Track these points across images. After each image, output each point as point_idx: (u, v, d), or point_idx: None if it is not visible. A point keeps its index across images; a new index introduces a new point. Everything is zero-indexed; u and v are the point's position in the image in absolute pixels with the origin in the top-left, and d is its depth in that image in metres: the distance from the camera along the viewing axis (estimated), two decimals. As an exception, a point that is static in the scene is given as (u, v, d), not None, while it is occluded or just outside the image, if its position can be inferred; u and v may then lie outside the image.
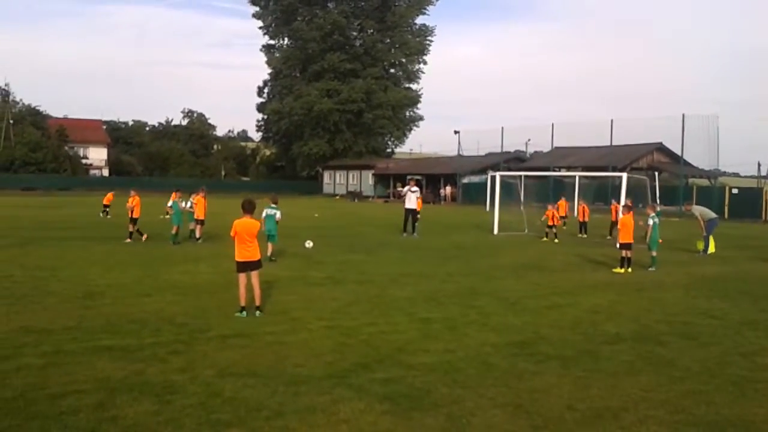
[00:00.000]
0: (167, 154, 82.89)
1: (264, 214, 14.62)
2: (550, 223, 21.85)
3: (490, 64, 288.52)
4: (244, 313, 8.78)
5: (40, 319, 8.37)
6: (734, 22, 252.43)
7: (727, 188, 42.86)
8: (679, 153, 46.06)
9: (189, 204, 18.99)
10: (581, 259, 16.94)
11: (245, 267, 8.86)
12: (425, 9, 75.88)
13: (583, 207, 24.77)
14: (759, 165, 56.21)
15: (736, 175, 70.94)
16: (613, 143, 50.55)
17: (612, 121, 50.42)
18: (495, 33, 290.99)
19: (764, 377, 6.60)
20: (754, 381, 6.44)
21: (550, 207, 22.37)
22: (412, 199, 22.50)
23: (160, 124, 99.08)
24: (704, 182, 48.00)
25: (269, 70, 79.40)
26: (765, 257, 18.23)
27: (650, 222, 15.35)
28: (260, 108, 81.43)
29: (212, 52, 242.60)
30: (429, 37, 76.40)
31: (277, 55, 77.41)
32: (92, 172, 76.14)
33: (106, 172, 77.26)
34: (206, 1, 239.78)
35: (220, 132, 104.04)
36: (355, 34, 76.25)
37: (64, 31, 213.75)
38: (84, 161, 75.43)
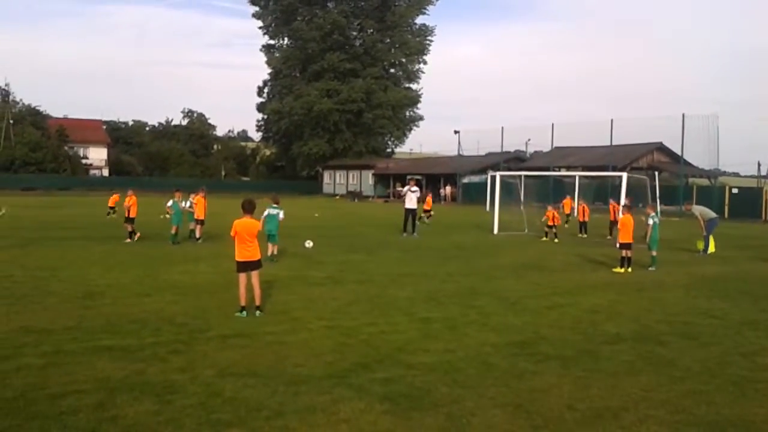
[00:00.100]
0: (167, 154, 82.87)
1: (266, 214, 14.63)
2: (550, 224, 21.85)
3: (490, 64, 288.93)
4: (244, 312, 8.78)
5: (41, 319, 8.37)
6: (734, 22, 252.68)
7: (727, 188, 42.85)
8: (679, 153, 46.06)
9: (188, 204, 18.99)
10: (581, 258, 16.93)
11: (245, 267, 8.86)
12: (425, 9, 75.91)
13: (583, 207, 24.76)
14: (759, 165, 56.26)
15: (736, 174, 70.98)
16: (613, 143, 50.52)
17: (612, 120, 50.40)
18: (495, 33, 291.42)
19: (764, 377, 6.60)
20: (754, 381, 6.44)
21: (550, 208, 22.36)
22: (412, 199, 22.48)
23: (160, 124, 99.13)
24: (704, 182, 47.99)
25: (269, 70, 79.42)
26: (765, 257, 18.23)
27: (650, 222, 15.35)
28: (260, 108, 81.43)
29: (212, 52, 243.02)
30: (429, 37, 76.45)
31: (277, 54, 77.39)
32: (92, 172, 76.14)
33: (106, 172, 77.27)
34: (206, 0, 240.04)
35: (220, 132, 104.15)
36: (354, 33, 76.24)
37: (64, 31, 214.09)
38: (84, 161, 75.43)
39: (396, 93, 74.38)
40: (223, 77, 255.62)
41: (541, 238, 21.90)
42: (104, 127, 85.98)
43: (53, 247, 16.45)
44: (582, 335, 8.26)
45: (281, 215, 15.01)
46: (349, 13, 73.57)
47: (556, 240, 21.45)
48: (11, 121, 68.90)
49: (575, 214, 26.06)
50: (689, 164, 46.47)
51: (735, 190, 42.34)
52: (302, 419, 5.11)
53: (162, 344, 7.23)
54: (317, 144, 73.33)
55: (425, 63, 77.74)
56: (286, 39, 77.39)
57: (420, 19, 76.71)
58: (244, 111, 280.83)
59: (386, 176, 68.25)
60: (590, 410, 5.49)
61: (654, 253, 15.17)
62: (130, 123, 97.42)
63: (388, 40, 75.09)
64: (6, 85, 74.62)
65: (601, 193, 40.44)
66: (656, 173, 38.63)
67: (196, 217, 18.87)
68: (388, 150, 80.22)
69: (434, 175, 63.01)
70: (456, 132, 60.52)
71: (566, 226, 24.60)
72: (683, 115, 43.51)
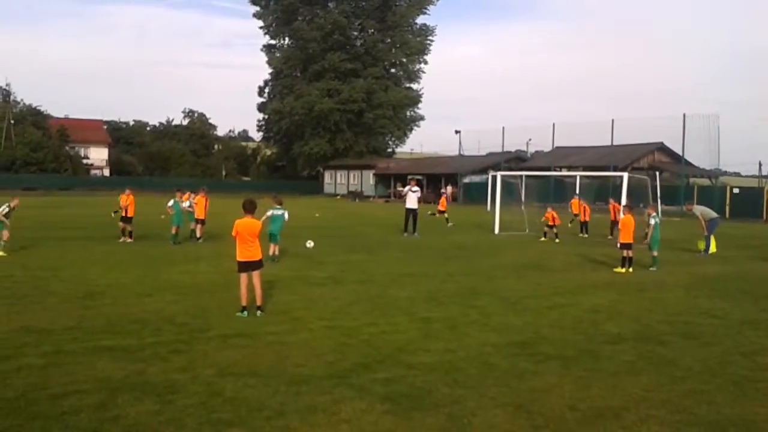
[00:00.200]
0: (168, 154, 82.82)
1: (270, 214, 14.66)
2: (551, 224, 21.84)
3: (491, 64, 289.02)
4: (245, 312, 8.78)
5: (41, 319, 8.38)
6: (734, 22, 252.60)
7: (728, 188, 42.78)
8: (680, 153, 45.98)
9: (189, 204, 18.99)
10: (582, 258, 16.93)
11: (247, 267, 8.87)
12: (426, 9, 75.82)
13: (584, 207, 24.73)
14: (760, 164, 55.98)
15: (737, 174, 70.87)
16: (614, 143, 50.45)
17: (613, 120, 50.31)
18: (495, 33, 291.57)
19: (765, 377, 6.60)
20: (755, 380, 6.43)
21: (549, 209, 22.33)
22: (413, 199, 22.48)
23: (160, 124, 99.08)
24: (705, 182, 47.94)
25: (270, 70, 79.35)
26: (766, 257, 18.21)
27: (651, 222, 15.33)
28: (261, 108, 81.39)
29: (213, 52, 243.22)
30: (429, 37, 76.37)
31: (278, 54, 77.36)
32: (93, 172, 76.17)
33: (107, 172, 77.29)
34: (206, 0, 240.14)
35: (220, 132, 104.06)
36: (355, 33, 76.20)
37: (64, 31, 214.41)
38: (85, 161, 75.43)
39: (397, 93, 74.34)
40: (223, 77, 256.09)
41: (540, 239, 21.88)
42: (105, 127, 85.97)
43: (54, 247, 16.46)
44: (583, 335, 8.26)
45: (286, 216, 15.04)
46: (349, 13, 73.54)
47: (557, 240, 21.44)
48: (12, 121, 68.89)
49: (574, 213, 26.01)
50: (690, 164, 46.41)
51: (736, 190, 42.27)
52: (303, 419, 5.12)
53: (163, 344, 7.24)
54: (318, 144, 73.30)
55: (426, 63, 77.73)
56: (286, 39, 77.36)
57: (420, 19, 76.74)
58: (244, 111, 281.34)
59: (387, 176, 68.23)
60: (591, 410, 5.49)
61: (655, 253, 15.16)
62: (131, 123, 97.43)
63: (389, 40, 75.04)
64: (7, 85, 74.64)
65: (602, 193, 40.36)
66: (657, 173, 38.64)
67: (196, 216, 18.88)
68: (389, 150, 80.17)
69: (435, 175, 62.96)
70: (457, 132, 60.48)
71: (570, 225, 24.53)
72: (684, 115, 43.49)
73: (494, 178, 30.37)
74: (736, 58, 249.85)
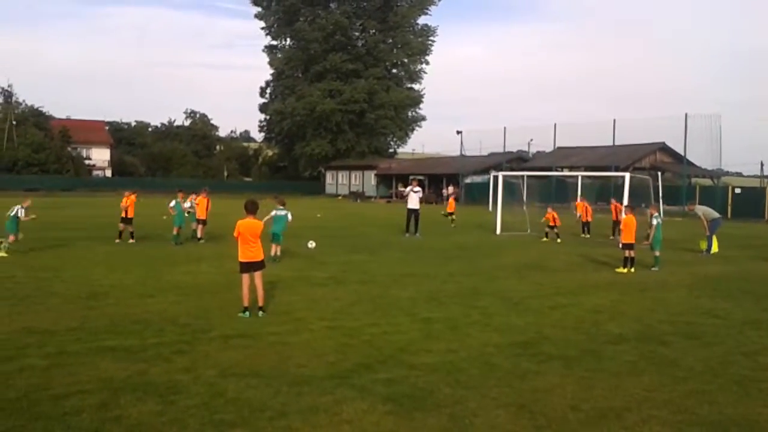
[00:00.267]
0: (170, 155, 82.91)
1: (273, 215, 14.69)
2: (551, 224, 21.83)
3: (492, 64, 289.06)
4: (247, 313, 8.79)
5: (44, 319, 8.39)
6: (734, 22, 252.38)
7: (730, 188, 42.75)
8: (682, 153, 45.94)
9: (190, 204, 19.00)
10: (584, 259, 16.91)
11: (248, 267, 8.87)
12: (427, 9, 75.83)
13: (586, 207, 24.71)
14: (762, 165, 56.01)
15: (739, 174, 70.73)
16: (616, 143, 50.42)
17: (615, 121, 50.21)
18: (497, 33, 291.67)
19: (767, 377, 6.59)
20: (757, 380, 6.43)
21: (550, 209, 22.32)
22: (415, 200, 22.48)
23: (162, 124, 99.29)
24: (707, 182, 47.88)
25: (271, 71, 79.43)
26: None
27: (653, 222, 15.32)
28: (263, 108, 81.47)
29: (215, 53, 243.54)
30: (431, 38, 76.37)
31: (280, 55, 77.42)
32: (95, 173, 76.27)
33: (109, 173, 77.38)
34: (208, 1, 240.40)
35: (222, 132, 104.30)
36: (357, 34, 76.22)
37: (66, 32, 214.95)
38: (87, 162, 75.54)
39: (398, 93, 74.35)
40: (225, 78, 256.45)
41: (542, 239, 21.87)
42: (107, 128, 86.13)
43: (56, 248, 16.48)
44: (585, 335, 8.26)
45: (290, 217, 15.07)
46: (351, 14, 73.56)
47: (558, 240, 21.43)
48: (14, 122, 68.98)
49: (578, 215, 25.96)
50: (692, 164, 46.36)
51: (738, 190, 42.24)
52: (305, 420, 5.12)
53: (165, 345, 7.25)
54: (320, 144, 73.32)
55: (427, 63, 77.74)
56: (288, 40, 77.41)
57: (422, 20, 76.74)
58: (246, 112, 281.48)
59: (389, 176, 68.22)
60: (593, 410, 5.49)
61: (657, 254, 15.15)
62: (133, 124, 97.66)
63: (391, 41, 75.06)
64: (9, 86, 74.64)
65: (604, 193, 40.39)
66: (659, 173, 38.58)
67: (197, 217, 18.89)
68: (391, 150, 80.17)
69: (437, 176, 62.95)
70: (458, 132, 60.47)
71: (589, 235, 24.29)
72: (686, 115, 43.44)
73: (496, 178, 30.38)
74: (736, 58, 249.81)
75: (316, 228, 23.98)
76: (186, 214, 18.74)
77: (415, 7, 74.52)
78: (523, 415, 5.35)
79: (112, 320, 8.44)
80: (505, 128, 58.06)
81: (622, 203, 20.53)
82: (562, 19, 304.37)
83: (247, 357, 6.85)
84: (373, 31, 74.41)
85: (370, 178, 70.08)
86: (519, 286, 12.11)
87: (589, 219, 24.13)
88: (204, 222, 18.96)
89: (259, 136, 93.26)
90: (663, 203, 33.22)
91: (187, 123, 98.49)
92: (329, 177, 77.88)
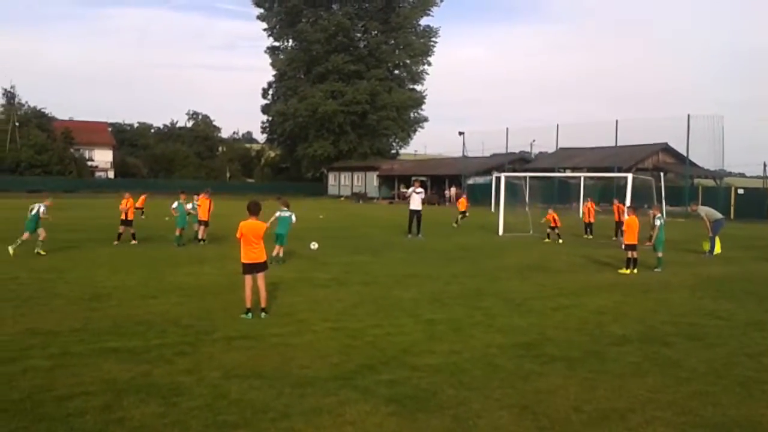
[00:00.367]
0: (172, 156, 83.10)
1: (277, 216, 14.70)
2: (552, 225, 21.81)
3: (495, 65, 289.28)
4: (250, 314, 8.79)
5: (47, 321, 8.40)
6: (734, 22, 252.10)
7: (732, 189, 42.68)
8: (685, 153, 45.90)
9: (192, 205, 19.02)
10: (586, 260, 16.89)
11: (251, 269, 8.87)
12: (429, 10, 75.92)
13: (588, 207, 24.67)
14: (765, 165, 55.73)
15: (742, 175, 70.50)
16: (618, 144, 50.38)
17: (617, 121, 50.21)
18: (499, 34, 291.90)
19: (771, 378, 6.57)
20: (760, 382, 6.41)
21: (551, 210, 22.29)
22: (417, 200, 22.47)
23: (165, 126, 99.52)
24: (710, 183, 47.79)
25: (274, 72, 79.62)
26: (771, 258, 18.15)
27: (656, 223, 15.30)
28: (265, 110, 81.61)
29: (217, 54, 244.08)
30: (433, 39, 76.47)
31: (282, 56, 77.55)
32: (98, 174, 76.47)
33: (111, 174, 77.54)
34: (210, 3, 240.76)
35: (224, 134, 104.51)
36: (359, 35, 76.31)
37: (68, 33, 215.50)
38: (89, 163, 75.73)
39: (400, 94, 74.41)
40: (227, 79, 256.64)
41: (544, 240, 21.85)
42: (109, 129, 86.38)
43: (59, 250, 16.49)
44: (588, 336, 8.24)
45: (293, 218, 15.09)
46: (353, 15, 73.66)
47: (560, 241, 21.40)
48: (17, 124, 69.12)
49: (580, 215, 25.95)
50: (695, 165, 46.30)
51: (741, 191, 42.16)
52: (308, 421, 5.12)
53: (168, 346, 7.25)
54: (322, 145, 73.41)
55: (429, 64, 77.84)
56: (290, 41, 77.55)
57: (424, 21, 76.90)
58: (248, 113, 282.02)
59: (391, 177, 68.26)
60: (597, 412, 5.48)
61: (660, 254, 15.13)
62: (135, 125, 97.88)
63: (393, 42, 75.13)
64: (11, 87, 74.77)
65: (606, 194, 40.31)
66: (662, 174, 38.54)
67: (199, 218, 18.91)
68: (393, 151, 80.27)
69: (439, 177, 62.95)
70: (461, 133, 60.47)
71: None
72: (688, 116, 43.38)
73: (498, 179, 30.35)
74: (736, 58, 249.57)
75: (318, 229, 23.99)
76: (188, 216, 18.76)
77: (417, 8, 74.59)
78: (526, 416, 5.34)
79: (115, 321, 8.45)
80: (507, 129, 58.21)
81: (624, 204, 20.49)
82: (563, 20, 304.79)
83: (250, 358, 6.85)
84: (375, 32, 74.50)
85: (373, 179, 70.12)
86: (522, 287, 12.10)
87: (592, 220, 24.11)
88: (206, 223, 18.98)
89: (261, 138, 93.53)
90: (666, 204, 33.22)
91: (189, 124, 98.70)
92: (331, 178, 77.95)
